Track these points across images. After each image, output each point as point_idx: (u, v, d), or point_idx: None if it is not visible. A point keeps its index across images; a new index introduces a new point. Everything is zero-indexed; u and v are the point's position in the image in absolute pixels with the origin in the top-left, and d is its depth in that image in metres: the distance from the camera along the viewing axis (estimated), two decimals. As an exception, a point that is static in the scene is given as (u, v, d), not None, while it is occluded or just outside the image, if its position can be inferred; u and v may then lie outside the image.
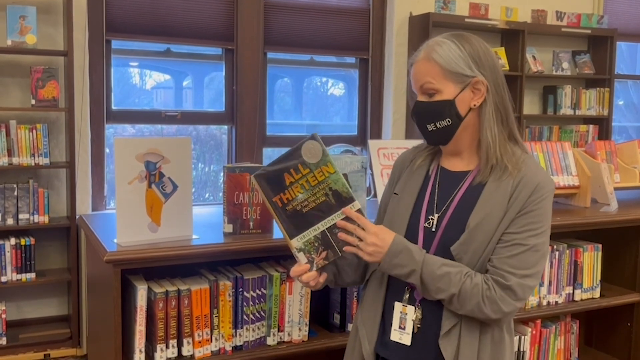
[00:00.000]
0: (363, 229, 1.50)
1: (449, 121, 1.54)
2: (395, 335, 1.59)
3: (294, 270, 1.57)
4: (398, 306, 1.59)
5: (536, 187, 1.51)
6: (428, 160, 1.67)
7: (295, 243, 1.55)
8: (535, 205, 1.50)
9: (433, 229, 1.57)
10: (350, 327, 2.16)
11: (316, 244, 1.55)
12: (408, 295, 1.58)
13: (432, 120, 1.55)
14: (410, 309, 1.57)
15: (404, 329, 1.58)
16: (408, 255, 1.49)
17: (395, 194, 1.68)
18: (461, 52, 1.53)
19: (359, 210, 1.52)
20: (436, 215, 1.57)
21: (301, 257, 1.56)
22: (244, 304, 2.02)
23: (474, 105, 1.55)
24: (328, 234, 1.54)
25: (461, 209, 1.55)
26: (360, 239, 1.50)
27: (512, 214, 1.50)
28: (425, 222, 1.58)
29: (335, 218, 1.53)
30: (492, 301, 1.47)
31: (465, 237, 1.51)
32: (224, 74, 4.59)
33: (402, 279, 1.52)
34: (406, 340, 1.57)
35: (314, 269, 1.55)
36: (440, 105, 1.54)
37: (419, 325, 1.57)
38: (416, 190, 1.63)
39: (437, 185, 1.62)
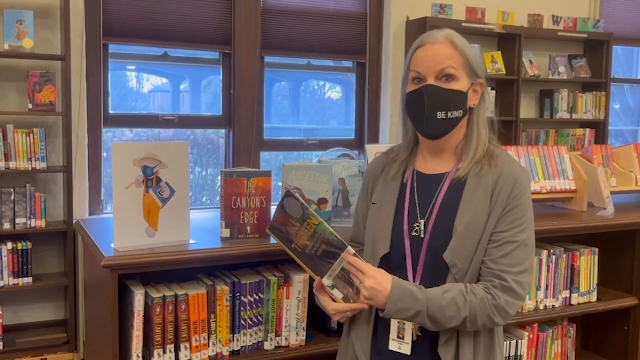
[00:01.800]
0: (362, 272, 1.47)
1: (460, 112, 1.52)
2: (394, 345, 1.57)
3: (334, 309, 1.55)
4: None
5: (515, 183, 1.51)
6: (402, 167, 1.64)
7: (326, 281, 1.56)
8: (517, 200, 1.51)
9: (421, 235, 1.55)
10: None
11: (343, 280, 1.55)
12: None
13: (446, 108, 1.50)
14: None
15: (402, 338, 1.56)
16: (411, 297, 1.45)
17: (373, 203, 1.65)
18: (472, 50, 1.55)
19: (355, 254, 1.51)
20: (422, 221, 1.55)
21: (336, 294, 1.56)
22: (242, 308, 2.02)
23: (473, 104, 1.56)
24: (345, 274, 1.55)
25: (445, 211, 1.53)
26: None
27: (497, 212, 1.50)
28: (410, 230, 1.56)
29: (342, 261, 1.53)
30: (499, 309, 1.47)
31: (456, 242, 1.49)
32: (221, 77, 4.60)
33: (408, 321, 1.50)
34: (406, 349, 1.56)
35: (350, 302, 1.55)
36: (457, 95, 1.51)
37: (418, 334, 1.55)
38: (394, 198, 1.61)
39: (415, 191, 1.59)
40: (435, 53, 1.50)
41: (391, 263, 1.58)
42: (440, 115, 1.50)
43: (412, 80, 1.55)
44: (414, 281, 1.54)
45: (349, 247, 1.51)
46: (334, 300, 1.57)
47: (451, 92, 1.50)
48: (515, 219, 1.50)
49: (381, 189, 1.65)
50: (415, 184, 1.60)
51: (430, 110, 1.50)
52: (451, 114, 1.51)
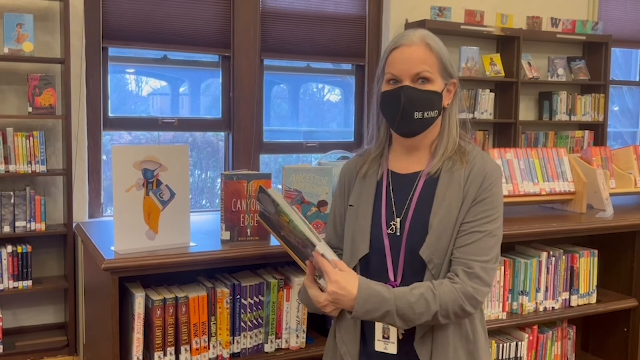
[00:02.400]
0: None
1: (436, 113, 1.56)
2: (380, 346, 1.57)
3: (325, 299, 1.51)
4: None
5: (485, 176, 1.53)
6: (375, 167, 1.65)
7: (320, 248, 1.57)
8: (487, 192, 1.52)
9: (398, 234, 1.56)
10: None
11: None
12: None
13: (423, 108, 1.54)
14: None
15: (388, 338, 1.56)
16: (378, 297, 1.44)
17: (350, 205, 1.65)
18: (445, 49, 1.57)
19: (322, 255, 1.49)
20: (398, 220, 1.57)
21: (322, 283, 1.55)
22: (242, 311, 2.03)
23: (447, 104, 1.59)
24: None
25: (421, 209, 1.55)
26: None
27: (467, 205, 1.52)
28: (388, 229, 1.57)
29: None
30: (469, 297, 1.46)
31: (431, 238, 1.51)
32: (220, 80, 4.60)
33: (377, 321, 1.50)
34: (392, 349, 1.56)
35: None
36: (432, 95, 1.54)
37: (403, 332, 1.56)
38: (371, 198, 1.62)
39: (391, 190, 1.61)
40: (410, 56, 1.52)
41: (371, 263, 1.59)
42: (417, 115, 1.53)
43: (388, 81, 1.56)
44: (394, 280, 1.55)
45: (318, 246, 1.50)
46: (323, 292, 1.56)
47: (427, 93, 1.53)
48: (484, 210, 1.52)
49: (357, 190, 1.66)
50: (390, 184, 1.62)
51: (407, 110, 1.53)
52: (427, 113, 1.54)
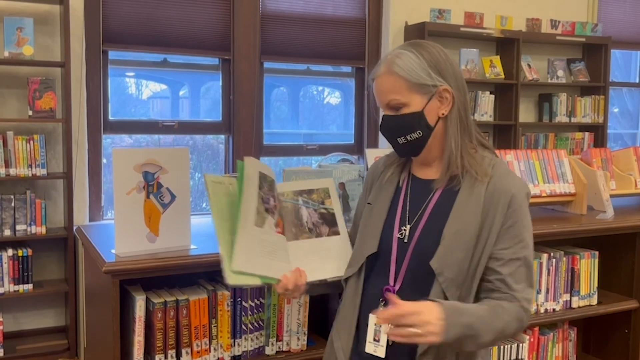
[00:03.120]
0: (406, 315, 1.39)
1: (419, 133, 1.52)
2: (370, 348, 1.56)
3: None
4: (372, 318, 1.55)
5: (512, 199, 1.50)
6: (399, 170, 1.65)
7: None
8: (517, 215, 1.50)
9: (405, 241, 1.55)
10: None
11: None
12: (383, 308, 1.52)
13: (403, 133, 1.53)
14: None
15: (378, 341, 1.55)
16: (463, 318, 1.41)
17: (368, 203, 1.66)
18: (421, 61, 1.50)
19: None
20: (408, 227, 1.56)
21: None
22: (243, 313, 2.02)
23: (442, 114, 1.53)
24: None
25: (434, 218, 1.53)
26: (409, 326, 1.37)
27: (496, 228, 1.49)
28: (398, 233, 1.57)
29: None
30: (521, 322, 1.49)
31: (443, 250, 1.48)
32: (220, 83, 4.61)
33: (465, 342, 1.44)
34: (380, 352, 1.54)
35: None
36: (409, 118, 1.51)
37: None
38: (388, 201, 1.62)
39: (408, 195, 1.60)
40: (379, 88, 1.54)
41: (376, 263, 1.59)
42: (401, 140, 1.54)
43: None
44: (393, 285, 1.54)
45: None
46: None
47: (403, 118, 1.52)
48: (516, 234, 1.50)
49: (377, 188, 1.66)
50: (409, 188, 1.61)
51: (390, 138, 1.56)
52: (410, 136, 1.52)
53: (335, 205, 1.72)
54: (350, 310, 1.61)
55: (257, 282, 1.55)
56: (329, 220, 1.71)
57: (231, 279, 1.50)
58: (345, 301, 1.64)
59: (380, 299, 1.55)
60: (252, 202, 1.57)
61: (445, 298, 1.46)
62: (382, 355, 1.54)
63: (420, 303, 1.39)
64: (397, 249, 1.55)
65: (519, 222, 1.50)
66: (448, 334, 1.36)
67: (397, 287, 1.54)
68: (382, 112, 1.58)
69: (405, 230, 1.56)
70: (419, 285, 1.51)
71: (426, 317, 1.35)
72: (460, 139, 1.53)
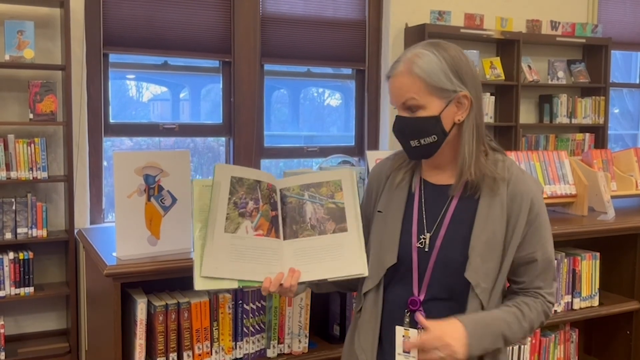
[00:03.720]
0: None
1: (434, 138, 1.47)
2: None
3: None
4: (400, 330, 1.52)
5: (532, 201, 1.51)
6: (409, 175, 1.60)
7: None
8: (539, 217, 1.52)
9: (426, 249, 1.51)
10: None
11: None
12: (409, 320, 1.51)
13: (417, 137, 1.48)
14: (413, 332, 1.49)
15: (408, 352, 1.51)
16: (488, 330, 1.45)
17: (379, 211, 1.61)
18: (442, 64, 1.46)
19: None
20: (428, 235, 1.52)
21: None
22: (244, 316, 2.02)
23: (459, 120, 1.49)
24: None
25: (455, 226, 1.50)
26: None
27: (519, 231, 1.49)
28: (417, 242, 1.52)
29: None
30: (547, 316, 1.55)
31: (476, 261, 1.46)
32: (221, 86, 4.61)
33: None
34: None
35: None
36: (425, 122, 1.47)
37: None
38: (402, 208, 1.57)
39: (424, 201, 1.56)
40: (396, 86, 1.48)
41: (397, 274, 1.55)
42: (414, 143, 1.49)
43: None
44: (418, 295, 1.52)
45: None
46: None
47: (419, 121, 1.47)
48: (540, 236, 1.52)
49: (388, 195, 1.61)
50: (423, 194, 1.57)
51: (403, 140, 1.51)
52: (423, 140, 1.48)
53: (347, 199, 1.59)
54: (372, 323, 1.57)
55: (233, 285, 1.52)
56: (337, 216, 1.58)
57: (198, 284, 1.48)
58: (365, 314, 1.59)
59: (406, 310, 1.52)
60: (222, 208, 1.52)
61: (483, 308, 1.47)
62: None
63: (445, 324, 1.42)
64: (418, 259, 1.52)
65: (542, 224, 1.53)
66: (473, 350, 1.41)
67: (422, 297, 1.51)
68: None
69: (425, 239, 1.52)
70: (445, 295, 1.50)
71: (448, 340, 1.39)
72: (475, 146, 1.50)
